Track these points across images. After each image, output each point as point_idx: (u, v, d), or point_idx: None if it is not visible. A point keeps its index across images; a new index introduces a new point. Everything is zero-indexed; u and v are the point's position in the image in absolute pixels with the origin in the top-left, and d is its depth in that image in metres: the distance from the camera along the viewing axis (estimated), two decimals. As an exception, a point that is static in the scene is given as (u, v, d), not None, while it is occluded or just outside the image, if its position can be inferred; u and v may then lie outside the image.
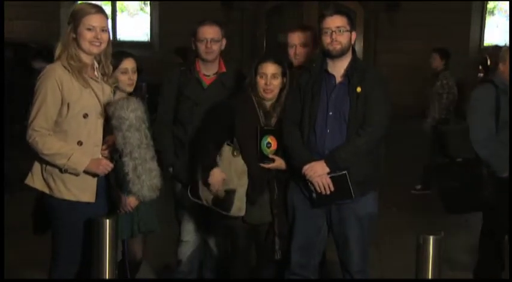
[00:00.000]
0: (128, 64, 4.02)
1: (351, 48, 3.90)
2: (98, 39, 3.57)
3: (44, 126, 3.48)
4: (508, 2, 14.06)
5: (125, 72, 3.99)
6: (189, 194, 4.10)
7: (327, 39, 3.82)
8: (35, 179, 3.62)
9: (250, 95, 4.01)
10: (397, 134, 8.08)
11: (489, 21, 14.75)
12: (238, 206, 3.94)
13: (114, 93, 3.85)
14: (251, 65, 4.07)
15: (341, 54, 3.84)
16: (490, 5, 14.84)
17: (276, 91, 3.98)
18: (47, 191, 3.59)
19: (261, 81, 3.96)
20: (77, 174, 3.55)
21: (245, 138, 3.96)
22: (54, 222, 3.65)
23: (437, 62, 8.21)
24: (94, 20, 3.56)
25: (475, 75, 12.80)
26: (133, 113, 3.65)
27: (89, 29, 3.55)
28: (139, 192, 3.75)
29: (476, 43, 14.39)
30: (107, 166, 3.62)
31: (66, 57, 3.53)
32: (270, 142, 3.96)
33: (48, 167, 3.56)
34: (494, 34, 14.63)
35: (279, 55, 4.24)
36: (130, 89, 4.00)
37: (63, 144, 3.51)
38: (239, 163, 3.96)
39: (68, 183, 3.56)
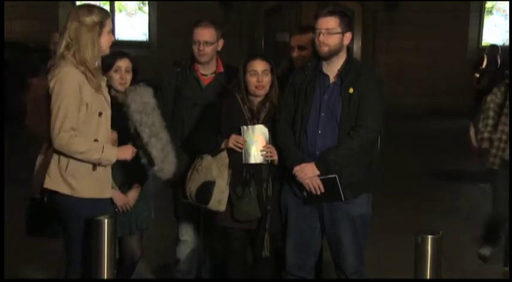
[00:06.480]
0: (122, 63, 4.03)
1: (344, 49, 3.84)
2: (112, 41, 3.65)
3: (74, 127, 3.48)
4: (506, 2, 14.08)
5: (118, 70, 4.01)
6: (180, 196, 4.11)
7: (316, 40, 3.80)
8: (55, 182, 3.55)
9: (234, 93, 4.03)
10: (397, 133, 8.12)
11: (487, 20, 14.77)
12: (218, 199, 3.92)
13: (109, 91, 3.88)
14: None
15: (329, 56, 3.80)
16: (488, 4, 14.85)
17: (267, 87, 4.01)
18: (68, 192, 3.54)
19: (252, 79, 3.97)
20: (106, 166, 3.60)
21: (228, 133, 3.97)
22: (74, 224, 3.56)
23: None
24: (111, 23, 3.62)
25: (473, 75, 12.82)
26: (152, 99, 3.94)
27: (109, 32, 3.60)
28: (167, 170, 3.95)
29: (474, 42, 14.40)
30: (134, 151, 3.76)
31: (84, 61, 3.50)
32: (258, 141, 3.96)
33: (70, 167, 3.52)
34: (492, 33, 14.64)
35: (269, 54, 4.27)
36: (122, 88, 4.02)
37: (89, 140, 3.54)
38: (222, 156, 3.98)
39: (91, 181, 3.56)
